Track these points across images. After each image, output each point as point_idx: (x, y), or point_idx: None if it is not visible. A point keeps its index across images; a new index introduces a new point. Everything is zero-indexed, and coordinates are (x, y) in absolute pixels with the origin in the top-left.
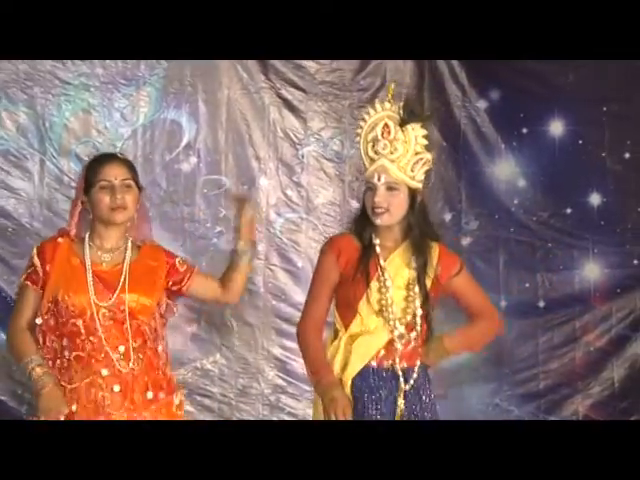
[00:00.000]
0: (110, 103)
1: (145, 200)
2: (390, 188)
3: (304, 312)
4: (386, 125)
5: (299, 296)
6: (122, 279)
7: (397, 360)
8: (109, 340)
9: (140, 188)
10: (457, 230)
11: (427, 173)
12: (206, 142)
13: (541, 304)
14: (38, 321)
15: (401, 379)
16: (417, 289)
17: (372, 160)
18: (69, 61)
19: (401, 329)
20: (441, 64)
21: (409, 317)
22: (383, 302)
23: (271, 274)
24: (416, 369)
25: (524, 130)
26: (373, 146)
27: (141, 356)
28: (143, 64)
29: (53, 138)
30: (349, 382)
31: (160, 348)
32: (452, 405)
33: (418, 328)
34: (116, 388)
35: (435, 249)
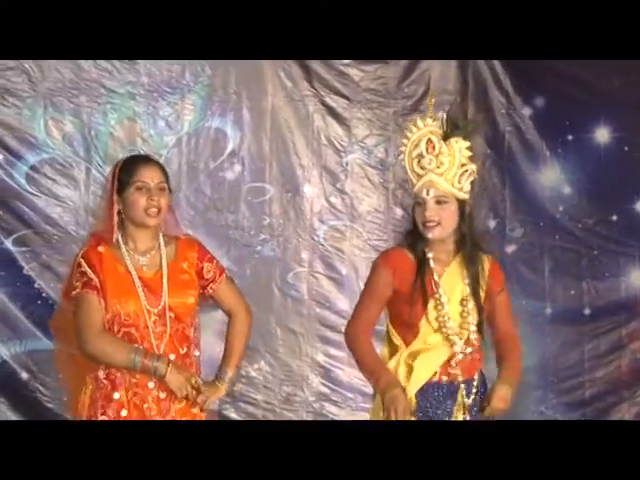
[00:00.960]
0: (155, 111)
1: (190, 208)
2: (439, 202)
3: (353, 316)
4: (430, 141)
5: (343, 303)
6: (165, 284)
7: (458, 373)
8: (160, 348)
9: (170, 190)
10: (502, 237)
11: (472, 184)
12: (250, 150)
13: (587, 312)
14: (115, 328)
15: (463, 392)
16: (471, 304)
17: (419, 176)
18: (115, 70)
19: (460, 344)
20: (485, 71)
21: (466, 332)
22: (440, 319)
23: (315, 282)
24: (475, 382)
25: (569, 137)
26: (419, 162)
27: (186, 362)
28: (188, 72)
29: (99, 146)
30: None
31: (197, 353)
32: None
33: (474, 342)
34: (162, 395)
35: (486, 262)
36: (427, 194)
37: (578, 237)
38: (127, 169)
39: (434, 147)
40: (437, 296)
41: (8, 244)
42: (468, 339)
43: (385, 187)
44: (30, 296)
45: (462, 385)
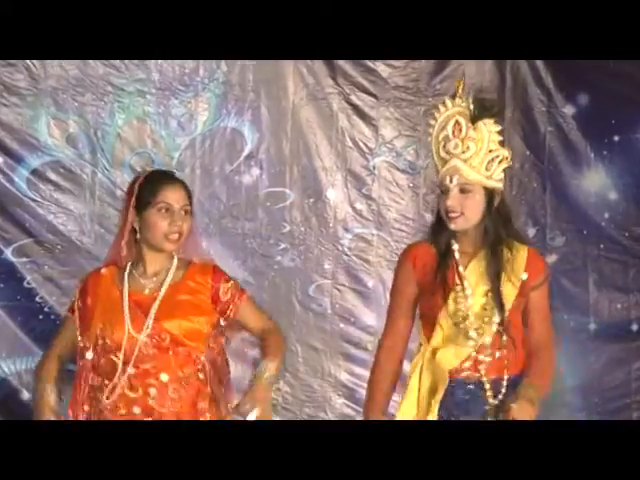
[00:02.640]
0: (166, 111)
1: (204, 215)
2: (463, 190)
3: (383, 333)
4: (457, 123)
5: (369, 318)
6: (156, 305)
7: (482, 372)
8: (151, 370)
9: (192, 213)
10: (541, 246)
11: (506, 171)
12: (269, 152)
13: (634, 327)
14: (89, 355)
15: (488, 392)
16: (494, 299)
17: (444, 161)
18: (123, 66)
19: (479, 339)
20: (524, 66)
21: (486, 326)
22: (460, 313)
23: (339, 295)
24: (504, 381)
25: (615, 138)
26: (444, 146)
27: (185, 386)
28: (202, 68)
29: (105, 148)
30: (437, 406)
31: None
32: None
33: (495, 338)
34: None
35: (522, 253)
36: (450, 181)
37: (625, 246)
38: (150, 186)
39: (461, 130)
40: (459, 288)
41: (8, 254)
42: (488, 334)
43: (415, 192)
44: (31, 310)
45: (488, 385)
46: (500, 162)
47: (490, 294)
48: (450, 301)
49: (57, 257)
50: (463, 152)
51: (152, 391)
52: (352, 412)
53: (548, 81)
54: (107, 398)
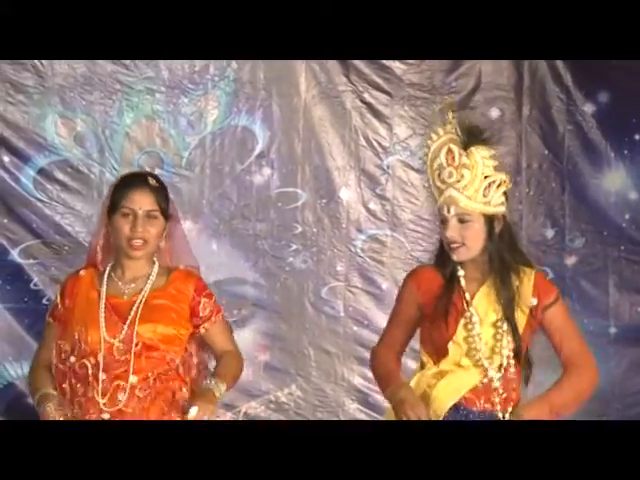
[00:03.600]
0: (176, 109)
1: (214, 215)
2: (462, 220)
3: (380, 338)
4: (450, 150)
5: (383, 321)
6: (135, 309)
7: (497, 405)
8: (122, 375)
9: (167, 217)
10: (560, 248)
11: (506, 194)
12: (281, 151)
13: None
14: (73, 359)
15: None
16: (505, 326)
17: (440, 190)
18: (132, 64)
19: (492, 369)
20: (542, 64)
21: (498, 357)
22: (470, 340)
23: (352, 297)
24: (507, 415)
25: (636, 137)
26: (439, 175)
27: (152, 384)
28: (212, 66)
29: (114, 148)
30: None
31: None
32: None
33: (510, 370)
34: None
35: (530, 277)
36: (448, 212)
37: None
38: (119, 190)
39: (454, 157)
40: (468, 315)
41: (14, 256)
42: (501, 365)
43: (430, 192)
44: (38, 313)
45: (499, 415)
46: (498, 186)
47: (499, 323)
48: (460, 328)
49: (64, 258)
50: (458, 181)
51: (120, 396)
52: (366, 417)
53: (567, 79)
54: (79, 400)
